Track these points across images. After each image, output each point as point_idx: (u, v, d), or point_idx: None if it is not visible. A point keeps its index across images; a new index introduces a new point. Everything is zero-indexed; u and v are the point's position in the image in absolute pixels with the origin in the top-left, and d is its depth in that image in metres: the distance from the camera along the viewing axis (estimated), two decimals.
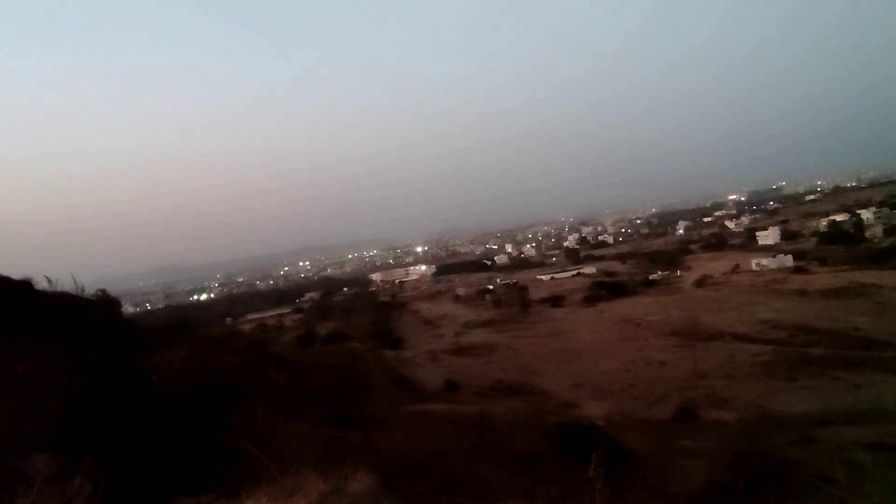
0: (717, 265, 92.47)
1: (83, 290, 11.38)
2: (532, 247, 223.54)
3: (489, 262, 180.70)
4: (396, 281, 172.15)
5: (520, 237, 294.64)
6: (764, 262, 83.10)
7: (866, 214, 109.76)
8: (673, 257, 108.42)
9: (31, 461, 5.37)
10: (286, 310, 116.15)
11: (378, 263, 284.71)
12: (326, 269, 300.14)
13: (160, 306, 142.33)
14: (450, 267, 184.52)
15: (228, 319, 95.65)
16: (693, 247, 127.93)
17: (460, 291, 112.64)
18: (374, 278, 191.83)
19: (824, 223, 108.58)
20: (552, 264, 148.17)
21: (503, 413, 25.91)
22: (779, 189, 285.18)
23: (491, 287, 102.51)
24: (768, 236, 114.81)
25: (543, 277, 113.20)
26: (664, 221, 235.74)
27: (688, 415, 27.81)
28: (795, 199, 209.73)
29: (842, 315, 49.56)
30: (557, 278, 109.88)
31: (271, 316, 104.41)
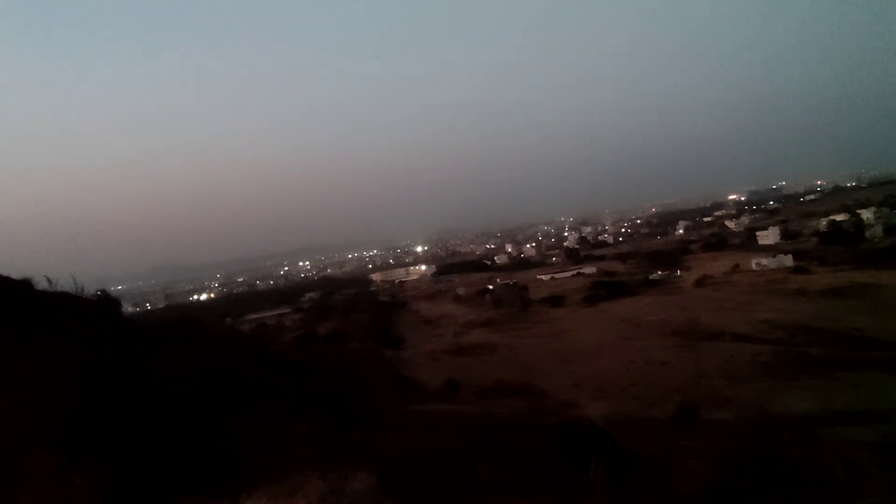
0: (717, 265, 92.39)
1: (83, 290, 11.41)
2: (532, 247, 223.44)
3: (489, 262, 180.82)
4: (396, 281, 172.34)
5: (520, 237, 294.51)
6: (764, 261, 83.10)
7: (866, 214, 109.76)
8: (673, 257, 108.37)
9: (31, 461, 5.37)
10: (286, 310, 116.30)
11: (378, 263, 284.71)
12: (326, 269, 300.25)
13: (160, 306, 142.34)
14: (450, 267, 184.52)
15: (228, 319, 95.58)
16: (693, 247, 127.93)
17: (460, 291, 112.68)
18: (374, 278, 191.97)
19: (824, 223, 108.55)
20: (552, 264, 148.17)
21: (503, 413, 25.90)
22: (779, 189, 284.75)
23: (491, 287, 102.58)
24: (768, 236, 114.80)
25: (543, 277, 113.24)
26: (664, 221, 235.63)
27: (688, 415, 27.72)
28: (795, 199, 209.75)
29: (842, 315, 49.50)
30: (557, 278, 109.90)
31: (271, 316, 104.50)
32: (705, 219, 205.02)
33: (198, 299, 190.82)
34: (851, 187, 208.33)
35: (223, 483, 4.86)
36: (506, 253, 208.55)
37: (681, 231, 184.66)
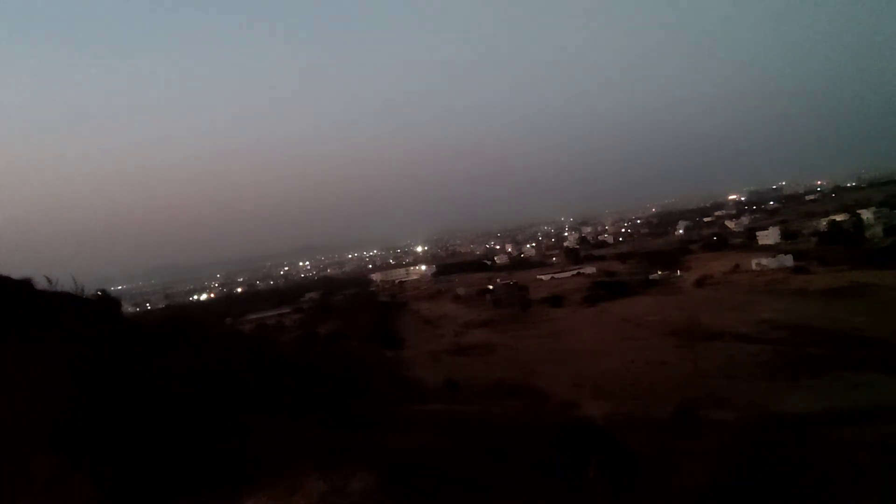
0: (717, 265, 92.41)
1: (83, 290, 11.39)
2: (532, 247, 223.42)
3: (489, 262, 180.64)
4: (396, 281, 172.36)
5: (520, 237, 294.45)
6: (764, 261, 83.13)
7: (866, 214, 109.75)
8: (673, 257, 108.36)
9: (30, 462, 5.36)
10: (286, 310, 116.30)
11: (378, 263, 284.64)
12: (326, 269, 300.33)
13: (160, 306, 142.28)
14: (450, 267, 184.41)
15: (228, 319, 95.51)
16: (693, 246, 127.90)
17: (460, 291, 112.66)
18: (374, 278, 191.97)
19: (824, 223, 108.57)
20: (552, 264, 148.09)
21: (503, 413, 25.87)
22: (779, 189, 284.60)
23: (491, 287, 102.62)
24: (768, 236, 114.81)
25: (543, 277, 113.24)
26: (664, 221, 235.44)
27: (688, 414, 27.70)
28: (795, 199, 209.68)
29: (842, 315, 49.54)
30: (557, 278, 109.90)
31: (271, 316, 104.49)
32: (705, 219, 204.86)
33: (198, 299, 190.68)
34: (851, 187, 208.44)
35: (223, 483, 4.87)
36: (506, 253, 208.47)
37: (681, 231, 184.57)
